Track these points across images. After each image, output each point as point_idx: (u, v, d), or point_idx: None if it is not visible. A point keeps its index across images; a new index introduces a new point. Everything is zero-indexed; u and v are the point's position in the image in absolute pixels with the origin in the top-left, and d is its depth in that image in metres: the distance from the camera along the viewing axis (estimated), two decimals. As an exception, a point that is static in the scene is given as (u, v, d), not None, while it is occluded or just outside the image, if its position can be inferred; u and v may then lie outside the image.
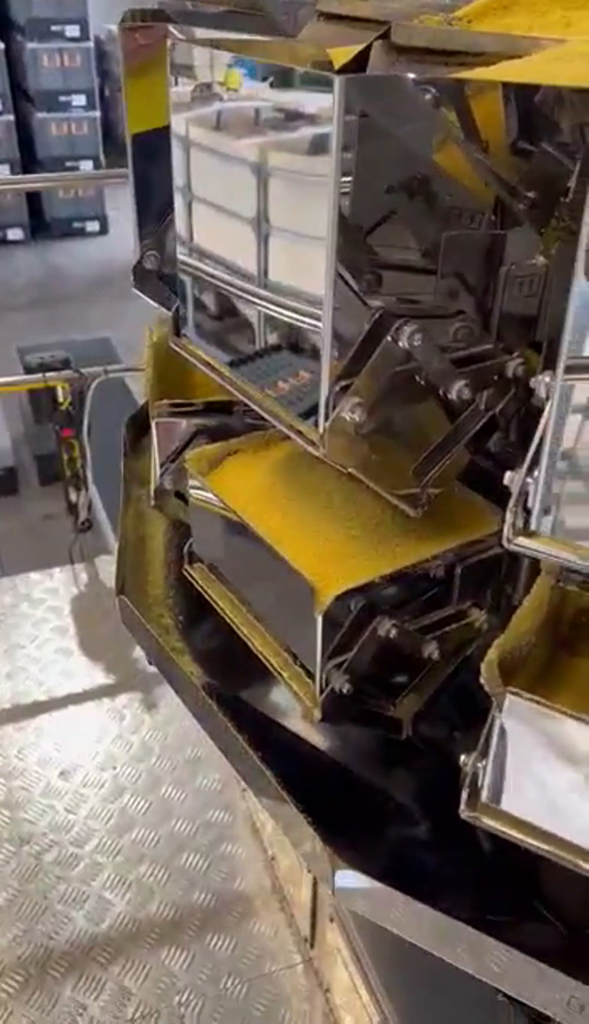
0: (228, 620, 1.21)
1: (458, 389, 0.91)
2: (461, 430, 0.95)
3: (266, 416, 0.99)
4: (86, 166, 8.00)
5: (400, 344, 0.86)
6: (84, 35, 7.69)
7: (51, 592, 3.25)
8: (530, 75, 0.94)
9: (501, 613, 1.16)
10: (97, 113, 7.99)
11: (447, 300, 1.05)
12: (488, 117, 1.07)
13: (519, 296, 1.00)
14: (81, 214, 8.17)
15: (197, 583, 1.29)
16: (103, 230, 8.26)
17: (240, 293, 1.03)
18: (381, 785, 1.21)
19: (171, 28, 1.11)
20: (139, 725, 2.72)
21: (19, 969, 2.10)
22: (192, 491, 1.24)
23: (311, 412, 0.93)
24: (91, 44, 7.76)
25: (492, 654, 0.85)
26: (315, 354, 0.91)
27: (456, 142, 1.07)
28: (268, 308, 1.00)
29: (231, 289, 1.05)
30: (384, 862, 1.06)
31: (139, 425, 1.77)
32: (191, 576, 1.30)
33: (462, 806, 0.92)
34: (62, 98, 7.85)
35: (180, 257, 1.11)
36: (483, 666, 0.85)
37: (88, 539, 3.59)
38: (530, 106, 1.07)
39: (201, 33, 1.17)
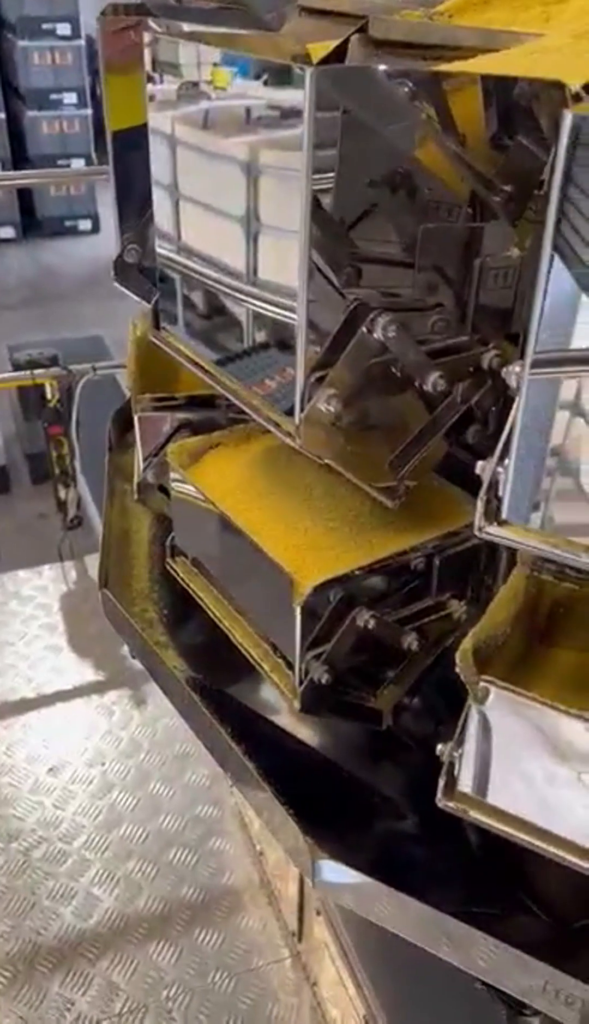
0: (210, 613, 1.22)
1: (433, 380, 0.91)
2: (437, 422, 0.96)
3: (244, 408, 1.00)
4: (78, 164, 7.98)
5: (375, 335, 0.87)
6: (75, 33, 7.67)
7: (40, 589, 3.26)
8: (505, 68, 0.94)
9: (480, 605, 1.16)
10: (88, 111, 7.97)
11: (425, 292, 1.05)
12: (466, 111, 1.07)
13: (495, 288, 1.00)
14: (73, 212, 8.15)
15: (179, 576, 1.29)
16: (95, 228, 8.25)
17: (219, 286, 1.04)
18: (365, 778, 1.21)
19: (150, 22, 1.12)
20: (128, 721, 2.72)
21: (7, 965, 2.10)
22: (173, 484, 1.24)
23: (284, 401, 0.94)
24: (82, 42, 7.74)
25: (467, 643, 0.86)
26: (293, 346, 0.91)
27: (433, 136, 1.07)
28: (247, 300, 1.00)
29: (209, 282, 1.05)
30: (366, 854, 1.07)
31: (124, 420, 1.77)
32: (173, 570, 1.30)
33: (439, 795, 0.93)
34: (53, 96, 7.83)
35: (159, 251, 1.11)
36: (458, 655, 0.85)
37: (78, 536, 3.59)
38: (509, 100, 1.07)
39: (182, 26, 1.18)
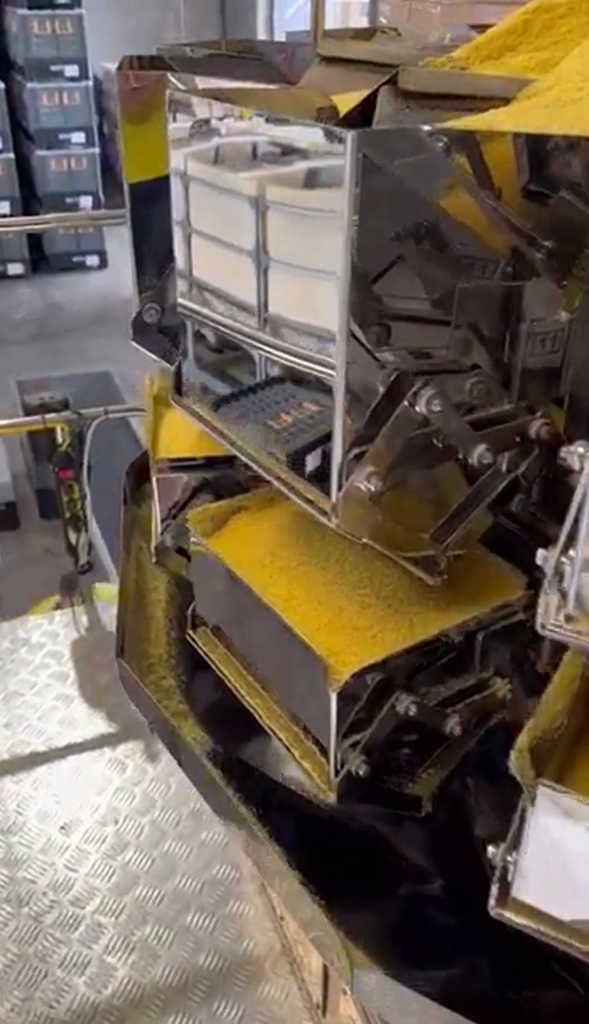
0: (234, 691, 1.15)
1: (479, 454, 0.85)
2: (481, 493, 0.89)
3: (273, 481, 0.93)
4: (85, 201, 8.05)
5: (418, 409, 0.81)
6: (83, 74, 7.75)
7: (50, 636, 3.18)
8: (543, 122, 0.89)
9: (525, 679, 1.09)
10: (96, 150, 8.04)
11: (461, 354, 0.99)
12: (501, 162, 1.02)
13: (540, 351, 0.94)
14: (81, 249, 8.19)
15: (200, 649, 1.22)
16: (103, 264, 8.27)
17: (247, 348, 0.98)
18: (405, 867, 1.13)
19: (170, 77, 1.07)
20: (141, 776, 2.63)
21: (17, 1040, 2.00)
22: (194, 553, 1.18)
23: (320, 475, 0.88)
24: (90, 83, 7.83)
25: (523, 740, 0.79)
26: (324, 415, 0.86)
27: (468, 189, 1.02)
28: (275, 360, 0.94)
29: (237, 342, 0.99)
30: (409, 960, 0.99)
31: (140, 471, 1.71)
32: (194, 641, 1.24)
33: (491, 902, 0.85)
34: (61, 135, 7.90)
35: (182, 310, 1.06)
36: (513, 755, 0.78)
37: (90, 579, 3.52)
38: (543, 149, 1.02)
39: (200, 80, 1.13)
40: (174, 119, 1.03)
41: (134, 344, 1.19)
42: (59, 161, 7.96)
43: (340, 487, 0.82)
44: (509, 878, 0.85)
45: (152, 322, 1.18)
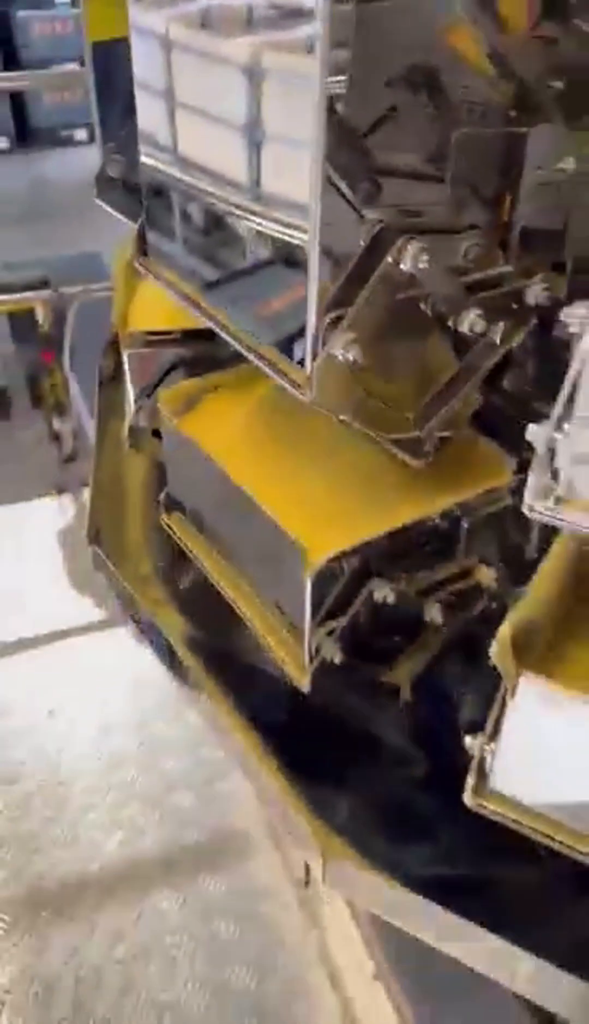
0: (210, 577, 1.10)
1: (471, 320, 0.77)
2: (472, 368, 0.82)
3: (243, 351, 0.85)
4: (72, 68, 7.55)
5: (402, 266, 0.72)
6: None
7: (37, 523, 3.15)
8: None
9: (511, 567, 1.04)
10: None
11: (457, 212, 0.90)
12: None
13: (543, 208, 0.85)
14: (68, 121, 7.74)
15: (175, 535, 1.17)
16: (92, 138, 7.84)
17: (216, 205, 0.88)
18: (385, 758, 1.10)
19: None
20: (128, 660, 2.64)
21: (8, 910, 2.06)
22: (165, 436, 1.11)
23: (290, 343, 0.80)
24: None
25: (505, 630, 0.74)
26: (300, 277, 0.77)
27: (466, 20, 0.90)
28: (249, 221, 0.85)
29: (206, 200, 0.90)
30: (383, 845, 0.97)
31: (118, 351, 1.62)
32: (168, 527, 1.18)
33: (467, 793, 0.83)
34: (48, -4, 7.38)
35: (144, 162, 0.95)
36: (494, 645, 0.74)
37: (77, 467, 3.46)
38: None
39: None
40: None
41: (98, 202, 1.09)
42: (43, 23, 7.44)
43: (315, 356, 0.74)
44: (487, 768, 0.82)
45: (117, 176, 1.07)
